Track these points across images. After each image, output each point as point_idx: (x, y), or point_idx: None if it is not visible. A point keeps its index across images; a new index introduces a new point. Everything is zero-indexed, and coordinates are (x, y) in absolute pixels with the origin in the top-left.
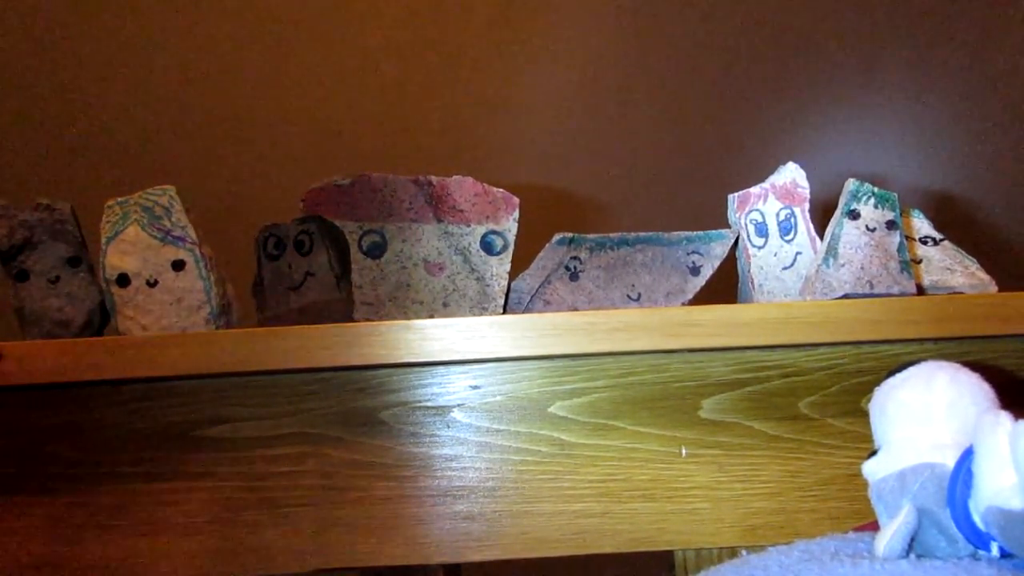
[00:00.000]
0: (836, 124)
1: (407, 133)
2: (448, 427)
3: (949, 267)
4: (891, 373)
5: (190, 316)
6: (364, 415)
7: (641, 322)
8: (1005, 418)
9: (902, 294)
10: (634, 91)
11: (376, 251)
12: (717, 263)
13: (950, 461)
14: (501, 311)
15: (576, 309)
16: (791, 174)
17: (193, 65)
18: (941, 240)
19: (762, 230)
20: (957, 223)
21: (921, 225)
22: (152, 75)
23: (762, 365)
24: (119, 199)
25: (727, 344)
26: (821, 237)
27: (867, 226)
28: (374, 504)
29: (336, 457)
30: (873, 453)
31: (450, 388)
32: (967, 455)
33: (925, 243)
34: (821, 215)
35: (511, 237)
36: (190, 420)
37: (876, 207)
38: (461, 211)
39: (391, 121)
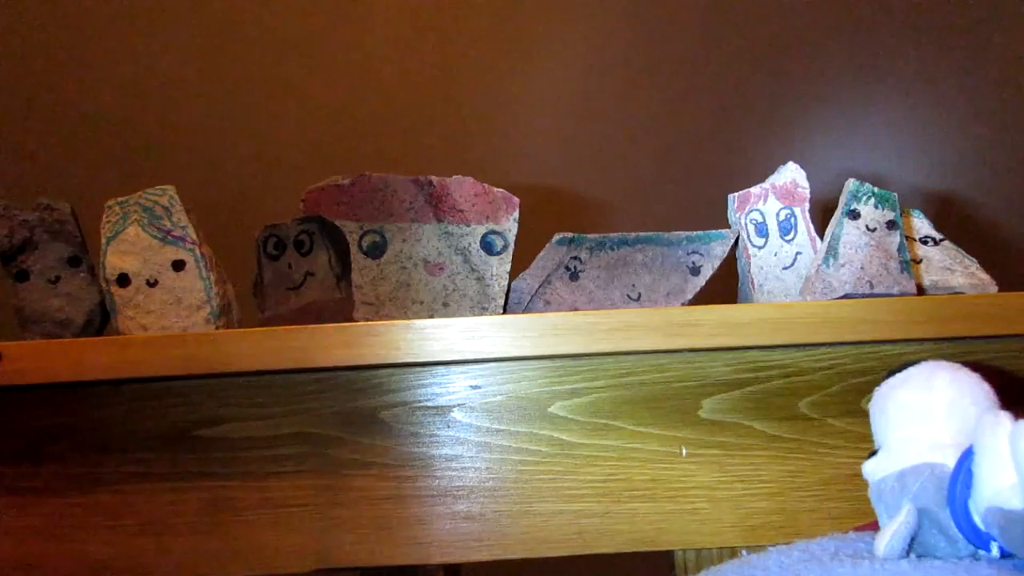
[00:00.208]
0: (836, 124)
1: (407, 133)
2: (448, 427)
3: (949, 267)
4: (891, 373)
5: (190, 316)
6: (364, 415)
7: (641, 322)
8: (1005, 418)
9: (902, 294)
10: (634, 91)
11: (376, 251)
12: (717, 263)
13: (950, 461)
14: (501, 311)
15: (576, 309)
16: (791, 174)
17: (193, 65)
18: (941, 240)
19: (762, 230)
20: (957, 223)
21: (921, 225)
22: (152, 75)
23: (762, 365)
24: (119, 199)
25: (727, 344)
26: (821, 237)
27: (867, 226)
28: (374, 504)
29: (336, 457)
30: (873, 453)
31: (450, 388)
32: (967, 455)
33: (925, 243)
34: (821, 215)
35: (511, 237)
36: (190, 420)
37: (876, 207)
38: (461, 211)
39: (391, 121)
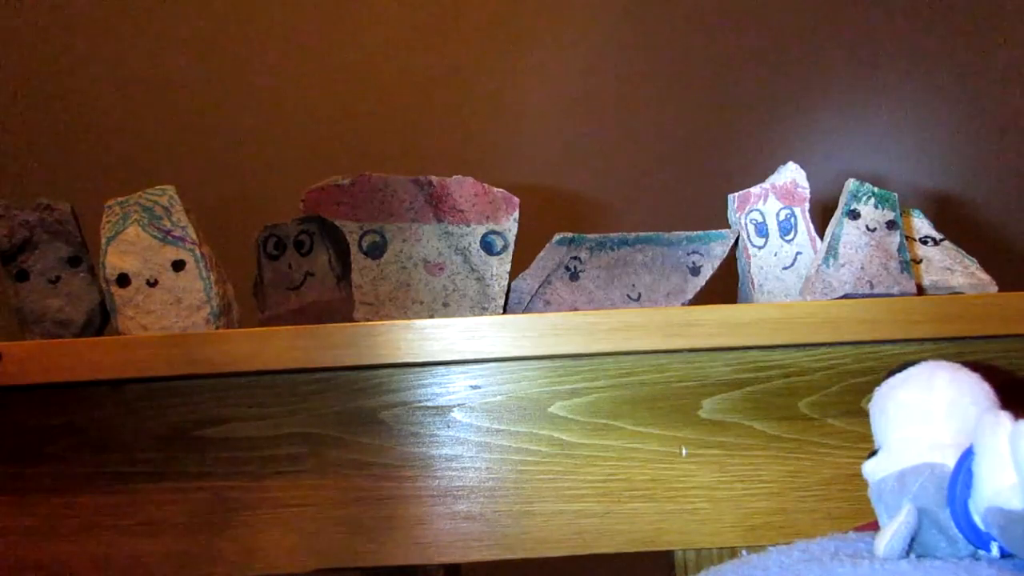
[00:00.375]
0: (836, 124)
1: (407, 133)
2: (448, 427)
3: (949, 267)
4: (891, 373)
5: (190, 316)
6: (364, 415)
7: (641, 322)
8: (1005, 418)
9: (902, 294)
10: (634, 91)
11: (376, 251)
12: (717, 263)
13: (950, 461)
14: (501, 311)
15: (576, 309)
16: (791, 174)
17: (193, 65)
18: (941, 240)
19: (762, 230)
20: (957, 223)
21: (921, 225)
22: (153, 75)
23: (762, 365)
24: (119, 199)
25: (727, 344)
26: (821, 237)
27: (867, 226)
28: (374, 504)
29: (336, 457)
30: (873, 453)
31: (450, 388)
32: (967, 455)
33: (925, 243)
34: (821, 215)
35: (511, 237)
36: (190, 420)
37: (876, 207)
38: (461, 211)
39: (391, 121)
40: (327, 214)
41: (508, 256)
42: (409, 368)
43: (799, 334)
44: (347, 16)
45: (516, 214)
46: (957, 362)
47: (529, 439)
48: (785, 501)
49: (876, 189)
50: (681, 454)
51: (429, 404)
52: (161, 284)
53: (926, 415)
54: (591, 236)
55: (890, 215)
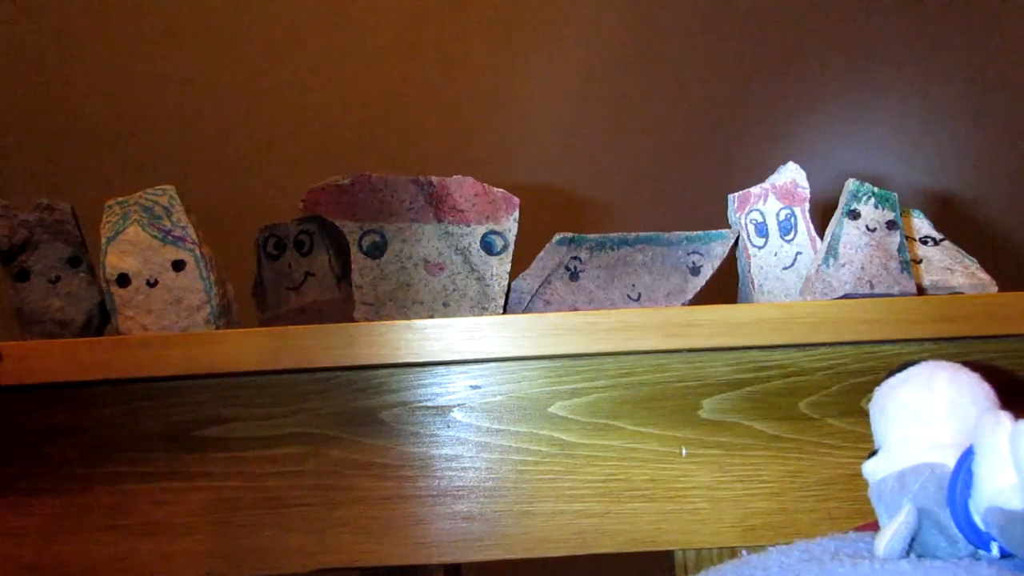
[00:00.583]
0: (836, 124)
1: (407, 133)
2: (448, 427)
3: (949, 267)
4: (891, 373)
5: (190, 316)
6: (364, 415)
7: (641, 322)
8: (1005, 418)
9: (902, 294)
10: (634, 91)
11: (376, 251)
12: (717, 263)
13: (950, 461)
14: (501, 311)
15: (576, 309)
16: (791, 174)
17: (193, 65)
18: (941, 240)
19: (762, 230)
20: (957, 223)
21: (921, 225)
22: (153, 75)
23: (762, 365)
24: (119, 199)
25: (727, 344)
26: (821, 237)
27: (867, 226)
28: (374, 504)
29: (336, 457)
30: (873, 453)
31: (450, 388)
32: (967, 455)
33: (925, 243)
34: (821, 215)
35: (511, 237)
36: (190, 420)
37: (876, 207)
38: (461, 211)
39: (391, 121)
40: (327, 214)
41: (508, 256)
42: (409, 368)
43: (799, 334)
44: (347, 16)
45: (516, 214)
46: (957, 362)
47: (529, 439)
48: (785, 501)
49: (876, 189)
50: (681, 454)
51: (429, 404)
52: (161, 284)
53: (926, 415)
54: (591, 236)
55: (890, 215)
